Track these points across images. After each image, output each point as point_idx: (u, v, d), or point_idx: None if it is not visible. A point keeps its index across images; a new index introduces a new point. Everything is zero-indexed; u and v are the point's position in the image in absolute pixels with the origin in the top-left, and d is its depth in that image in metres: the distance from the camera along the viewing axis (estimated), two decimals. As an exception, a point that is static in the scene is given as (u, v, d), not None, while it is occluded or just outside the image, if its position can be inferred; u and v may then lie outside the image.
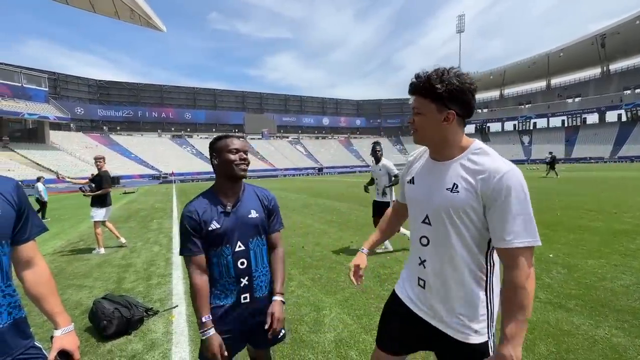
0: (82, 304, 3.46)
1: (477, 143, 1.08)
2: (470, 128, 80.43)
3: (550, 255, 4.29)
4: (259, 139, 73.67)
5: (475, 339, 1.07)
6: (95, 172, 6.00)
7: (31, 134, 48.20)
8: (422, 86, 1.03)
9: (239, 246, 1.34)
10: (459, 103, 1.02)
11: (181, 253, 1.32)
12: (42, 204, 11.17)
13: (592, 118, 63.66)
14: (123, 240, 6.07)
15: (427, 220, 1.12)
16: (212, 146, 1.39)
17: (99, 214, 5.78)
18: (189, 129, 71.54)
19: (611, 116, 60.45)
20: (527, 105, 71.68)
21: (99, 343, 2.63)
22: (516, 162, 58.05)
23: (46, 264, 1.19)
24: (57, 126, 51.81)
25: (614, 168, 28.86)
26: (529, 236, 0.96)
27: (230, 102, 79.76)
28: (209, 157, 1.42)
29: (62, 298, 3.63)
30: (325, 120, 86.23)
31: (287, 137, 79.25)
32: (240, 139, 1.39)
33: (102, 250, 5.73)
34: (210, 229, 1.30)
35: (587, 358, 2.14)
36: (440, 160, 1.12)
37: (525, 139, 68.89)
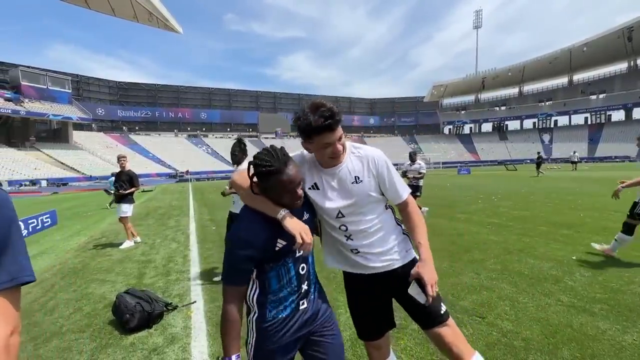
0: (105, 297, 3.59)
1: (348, 144, 1.41)
2: (487, 126, 78.47)
3: (574, 258, 4.14)
4: (272, 138, 74.22)
5: (410, 255, 1.50)
6: (116, 170, 6.29)
7: (56, 134, 50.31)
8: (337, 120, 1.24)
9: (299, 251, 1.25)
10: None
11: (227, 282, 1.16)
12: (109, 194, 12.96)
13: (618, 115, 61.05)
14: (139, 239, 6.31)
15: (340, 215, 1.39)
16: (259, 179, 1.17)
17: (131, 209, 6.20)
18: (204, 129, 72.90)
19: (638, 113, 57.76)
20: (547, 103, 69.23)
21: (122, 336, 2.72)
22: (534, 160, 56.12)
23: (8, 334, 0.64)
24: (79, 126, 53.85)
25: (641, 167, 27.50)
26: (407, 189, 1.47)
27: (245, 101, 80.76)
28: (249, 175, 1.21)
29: (87, 292, 3.79)
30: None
31: (301, 136, 79.41)
32: (291, 166, 1.18)
33: (136, 240, 6.18)
34: (277, 249, 1.18)
35: (613, 364, 2.06)
36: (334, 166, 1.37)
37: (546, 137, 66.66)
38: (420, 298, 1.28)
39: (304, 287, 1.28)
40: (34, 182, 34.14)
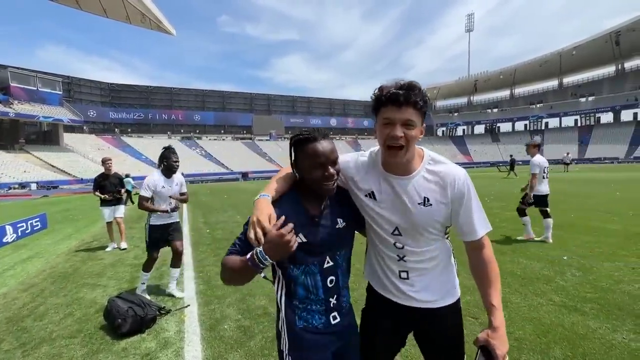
0: (96, 302, 3.54)
1: (427, 152, 1.18)
2: (479, 128, 79.35)
3: (565, 258, 4.21)
4: (267, 140, 74.07)
5: (456, 294, 1.28)
6: (119, 172, 6.39)
7: (46, 136, 49.42)
8: (409, 98, 1.01)
9: (328, 262, 1.15)
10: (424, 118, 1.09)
11: (229, 251, 1.10)
12: (128, 193, 13.64)
13: (607, 117, 62.16)
14: (114, 245, 6.20)
15: (396, 232, 1.18)
16: (295, 148, 1.13)
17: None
18: (197, 131, 72.30)
19: (626, 115, 58.94)
20: (538, 105, 70.34)
21: (114, 341, 2.69)
22: (526, 162, 56.95)
23: None
24: (70, 128, 52.97)
25: (629, 168, 28.09)
26: (486, 225, 1.16)
27: (239, 103, 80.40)
28: (289, 157, 1.17)
29: (77, 297, 3.73)
30: (333, 122, 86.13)
31: (295, 138, 79.31)
32: (327, 143, 1.11)
33: (114, 246, 6.09)
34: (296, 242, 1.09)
35: (604, 363, 2.09)
36: (401, 175, 1.14)
37: (537, 139, 67.50)
38: None
39: (332, 300, 1.18)
40: (23, 185, 33.49)
